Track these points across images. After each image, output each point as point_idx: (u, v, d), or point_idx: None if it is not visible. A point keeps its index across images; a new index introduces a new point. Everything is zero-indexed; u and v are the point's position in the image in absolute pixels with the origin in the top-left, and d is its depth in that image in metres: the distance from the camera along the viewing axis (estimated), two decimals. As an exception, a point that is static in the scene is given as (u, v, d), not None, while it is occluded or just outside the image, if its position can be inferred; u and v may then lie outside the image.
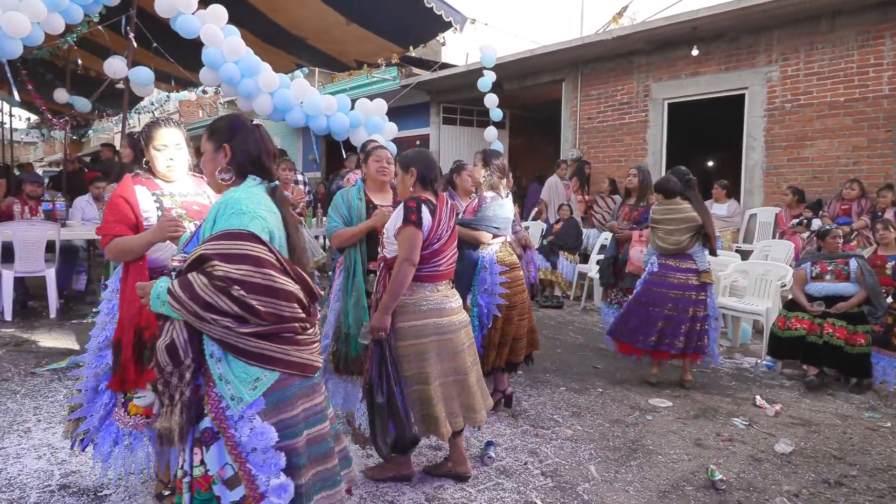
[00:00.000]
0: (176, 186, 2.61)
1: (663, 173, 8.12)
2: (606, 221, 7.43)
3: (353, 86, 12.79)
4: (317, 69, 15.41)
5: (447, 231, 2.80)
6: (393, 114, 13.49)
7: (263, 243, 1.74)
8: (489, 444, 3.27)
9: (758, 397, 4.21)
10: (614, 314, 5.26)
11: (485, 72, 8.00)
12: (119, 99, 11.86)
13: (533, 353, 4.14)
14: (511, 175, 5.11)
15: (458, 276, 3.66)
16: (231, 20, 6.73)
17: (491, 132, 8.21)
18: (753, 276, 5.70)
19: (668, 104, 8.66)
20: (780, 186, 7.47)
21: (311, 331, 1.87)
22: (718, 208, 7.64)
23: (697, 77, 8.23)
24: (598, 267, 6.08)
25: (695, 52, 8.05)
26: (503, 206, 3.74)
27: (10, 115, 12.57)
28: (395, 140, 13.80)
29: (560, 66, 9.70)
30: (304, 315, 1.82)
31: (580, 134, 9.61)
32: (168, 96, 14.71)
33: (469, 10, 8.23)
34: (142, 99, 13.64)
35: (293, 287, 1.77)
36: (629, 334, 4.50)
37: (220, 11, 5.90)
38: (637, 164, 5.50)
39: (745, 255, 6.94)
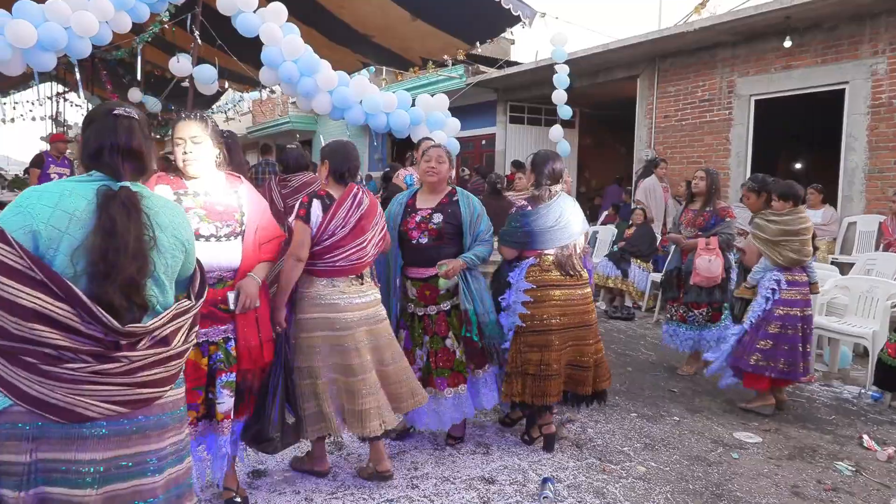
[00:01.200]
0: (202, 185, 2.47)
1: (748, 176, 7.48)
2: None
3: (420, 84, 12.61)
4: (384, 68, 15.40)
5: (344, 227, 2.72)
6: (459, 112, 13.25)
7: (8, 244, 1.42)
8: (547, 480, 2.90)
9: (865, 437, 3.64)
10: (675, 331, 4.79)
11: (557, 67, 7.58)
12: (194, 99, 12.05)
13: (596, 393, 3.44)
14: (565, 176, 4.72)
15: (494, 293, 3.40)
16: (299, 18, 6.62)
17: (556, 131, 7.77)
18: (856, 293, 5.05)
19: (755, 101, 7.97)
20: (885, 192, 6.69)
21: (80, 367, 1.45)
22: (812, 215, 6.91)
23: (790, 71, 7.52)
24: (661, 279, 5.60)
25: (787, 44, 7.35)
26: (535, 216, 3.27)
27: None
28: (460, 139, 13.54)
29: (635, 61, 9.14)
30: (63, 342, 1.43)
31: (656, 133, 9.02)
32: (241, 96, 14.93)
33: (539, 3, 7.85)
34: (217, 99, 13.91)
35: (36, 303, 1.40)
36: (759, 363, 3.93)
37: (279, 9, 5.77)
38: (704, 167, 4.98)
39: (842, 267, 6.24)
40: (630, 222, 7.70)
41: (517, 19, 7.46)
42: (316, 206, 2.71)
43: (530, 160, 3.49)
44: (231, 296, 2.42)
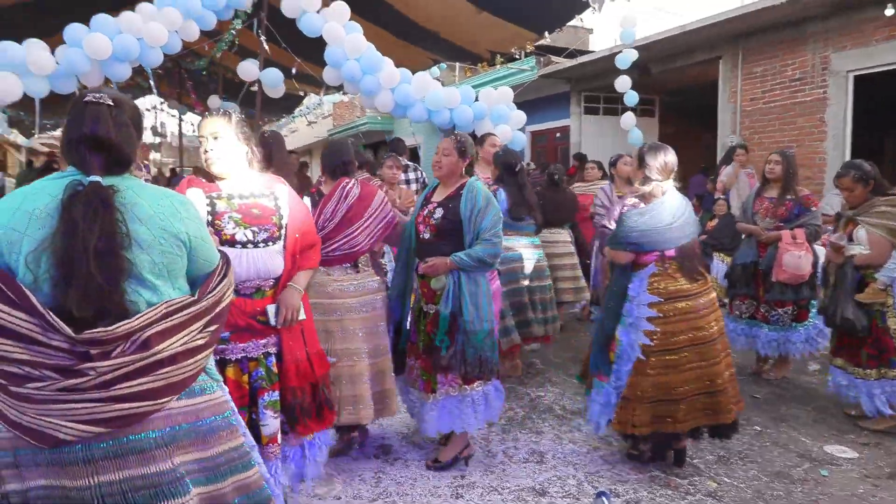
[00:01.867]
0: (236, 186, 2.31)
1: (846, 159, 6.80)
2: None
3: (491, 79, 12.43)
4: (456, 64, 15.28)
5: (332, 220, 2.89)
6: (531, 105, 12.89)
7: None
8: (603, 494, 2.68)
9: (985, 455, 3.17)
10: (743, 330, 4.38)
11: (624, 50, 7.20)
12: (275, 103, 12.40)
13: (733, 423, 2.99)
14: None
15: (608, 303, 3.07)
16: (367, 19, 6.61)
17: (628, 119, 7.32)
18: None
19: (854, 77, 7.24)
20: None
21: (45, 385, 1.31)
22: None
23: (893, 41, 6.76)
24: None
25: (889, 12, 6.60)
26: (650, 214, 2.87)
27: (180, 121, 13.69)
28: (533, 132, 13.21)
29: (716, 41, 8.53)
30: (25, 356, 1.30)
31: (741, 117, 8.40)
32: (321, 99, 15.22)
33: (610, -14, 7.49)
34: (299, 103, 14.22)
35: None
36: None
37: (342, 8, 5.80)
38: (779, 150, 4.53)
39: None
40: (712, 213, 7.21)
41: (585, 5, 7.18)
42: (307, 203, 2.80)
43: (637, 153, 3.12)
44: (271, 309, 2.27)
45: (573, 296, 5.18)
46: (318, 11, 5.78)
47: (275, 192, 2.38)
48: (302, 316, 2.34)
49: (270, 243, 2.27)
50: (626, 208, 3.00)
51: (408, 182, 6.63)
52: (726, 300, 6.73)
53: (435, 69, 10.88)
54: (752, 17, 7.58)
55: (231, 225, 2.22)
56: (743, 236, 4.63)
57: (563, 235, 5.24)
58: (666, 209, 2.92)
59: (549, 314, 4.57)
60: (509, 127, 6.31)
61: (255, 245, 2.24)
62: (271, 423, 2.28)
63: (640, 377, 2.88)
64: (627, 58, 7.17)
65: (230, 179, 2.32)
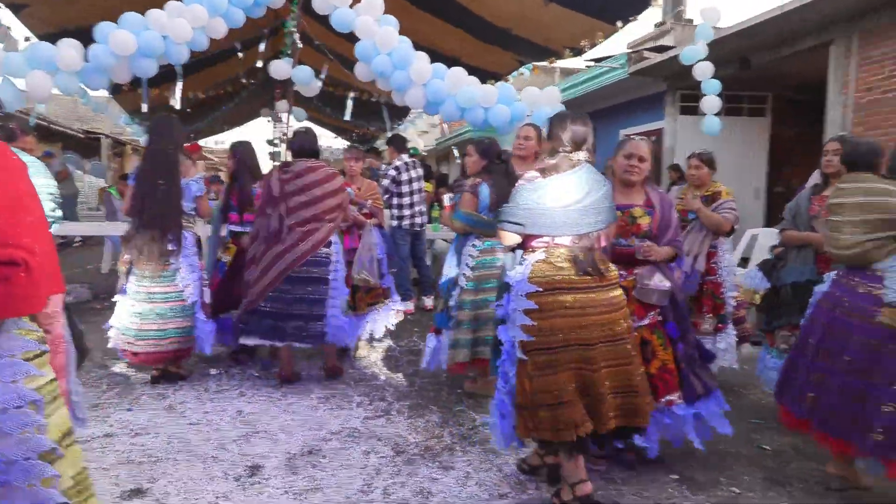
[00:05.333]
0: None
1: None
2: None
3: (584, 79, 11.69)
4: (557, 67, 14.56)
5: None
6: (624, 108, 11.93)
7: None
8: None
9: None
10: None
11: (697, 40, 6.28)
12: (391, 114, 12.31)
13: (631, 433, 2.65)
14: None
15: (498, 295, 2.76)
16: (445, 19, 6.31)
17: (709, 103, 6.27)
18: None
19: None
20: None
21: None
22: None
23: None
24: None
25: None
26: (543, 191, 2.47)
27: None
28: (626, 136, 12.21)
29: (826, 22, 7.24)
30: None
31: (855, 111, 7.06)
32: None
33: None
34: (407, 113, 14.11)
35: None
36: (790, 396, 2.89)
37: (375, 2, 5.52)
38: (838, 135, 3.63)
39: None
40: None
41: (661, -10, 6.39)
42: None
43: (547, 125, 2.70)
44: None
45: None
46: (350, 6, 5.55)
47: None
48: None
49: None
50: (521, 182, 2.57)
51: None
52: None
53: (524, 71, 10.40)
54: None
55: None
56: (794, 249, 3.72)
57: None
58: (569, 185, 2.47)
59: None
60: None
61: None
62: None
63: (524, 379, 2.47)
64: (693, 54, 6.23)
65: None
